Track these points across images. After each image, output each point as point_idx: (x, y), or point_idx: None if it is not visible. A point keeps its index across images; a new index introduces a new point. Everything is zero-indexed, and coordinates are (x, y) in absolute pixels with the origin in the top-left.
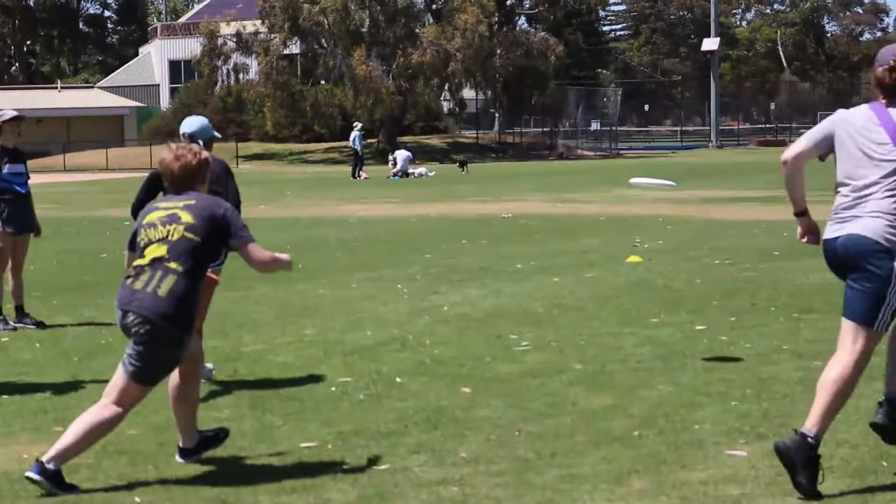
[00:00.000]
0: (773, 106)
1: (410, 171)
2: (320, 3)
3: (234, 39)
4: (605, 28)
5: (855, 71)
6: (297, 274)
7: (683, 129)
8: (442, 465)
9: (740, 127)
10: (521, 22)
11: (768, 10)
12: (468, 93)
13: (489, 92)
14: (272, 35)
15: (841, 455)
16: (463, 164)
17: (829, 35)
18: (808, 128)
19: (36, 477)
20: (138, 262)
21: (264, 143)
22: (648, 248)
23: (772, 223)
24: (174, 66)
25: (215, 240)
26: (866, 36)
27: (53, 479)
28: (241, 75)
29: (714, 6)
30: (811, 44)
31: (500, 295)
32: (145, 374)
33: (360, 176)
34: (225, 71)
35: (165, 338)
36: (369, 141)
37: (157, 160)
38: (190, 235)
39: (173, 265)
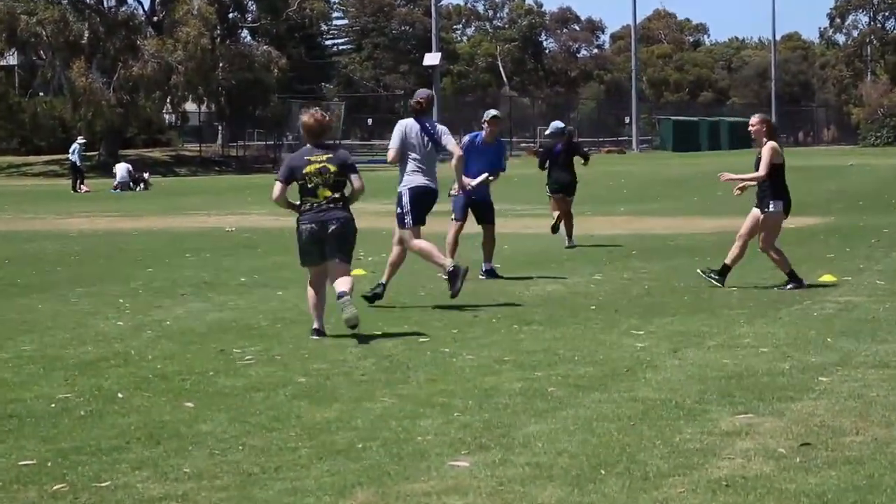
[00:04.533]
0: None
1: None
2: (38, 15)
3: None
4: (328, 42)
5: (573, 86)
6: (16, 288)
7: None
8: (165, 480)
9: None
10: (244, 35)
11: (488, 27)
12: (191, 105)
13: (212, 105)
14: None
15: (560, 464)
16: (145, 182)
17: (547, 51)
18: (529, 141)
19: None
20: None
21: None
22: (373, 261)
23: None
24: None
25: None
26: (583, 53)
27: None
28: None
29: (435, 22)
30: (530, 60)
31: (223, 309)
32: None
33: (80, 189)
34: None
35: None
36: (89, 154)
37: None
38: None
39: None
